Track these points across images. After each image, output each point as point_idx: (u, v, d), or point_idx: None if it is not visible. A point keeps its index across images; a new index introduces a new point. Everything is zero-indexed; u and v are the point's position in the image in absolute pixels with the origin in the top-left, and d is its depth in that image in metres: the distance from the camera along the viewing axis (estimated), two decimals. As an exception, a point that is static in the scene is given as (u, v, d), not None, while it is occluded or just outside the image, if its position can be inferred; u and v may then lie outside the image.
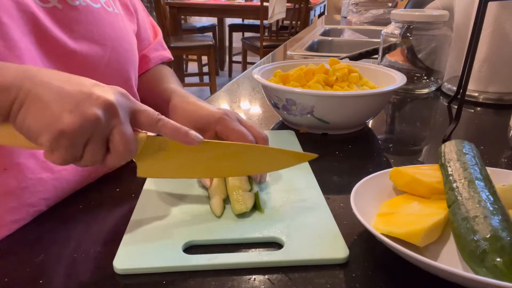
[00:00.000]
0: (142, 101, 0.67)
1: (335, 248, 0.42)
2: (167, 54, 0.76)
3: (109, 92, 0.39)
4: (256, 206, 0.49)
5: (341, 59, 1.08)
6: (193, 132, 0.43)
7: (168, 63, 0.79)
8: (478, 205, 0.39)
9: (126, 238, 0.44)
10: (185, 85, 3.90)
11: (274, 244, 0.44)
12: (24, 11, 0.47)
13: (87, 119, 0.36)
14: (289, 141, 0.69)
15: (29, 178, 0.49)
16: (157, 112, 0.42)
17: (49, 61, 0.50)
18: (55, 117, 0.35)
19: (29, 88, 0.36)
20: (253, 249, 0.43)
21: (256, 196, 0.49)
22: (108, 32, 0.57)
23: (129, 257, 0.41)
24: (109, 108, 0.38)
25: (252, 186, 0.50)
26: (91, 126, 0.37)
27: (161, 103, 0.63)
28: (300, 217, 0.47)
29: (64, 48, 0.51)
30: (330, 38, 1.80)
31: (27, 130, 0.36)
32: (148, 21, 0.74)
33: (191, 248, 0.43)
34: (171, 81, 0.69)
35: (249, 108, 0.92)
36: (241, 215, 0.47)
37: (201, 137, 0.44)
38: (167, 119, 0.42)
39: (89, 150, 0.38)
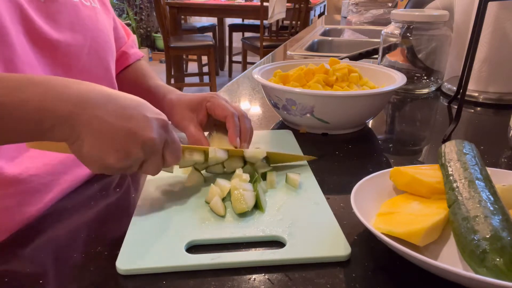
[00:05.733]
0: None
1: (337, 246, 0.42)
2: (140, 53, 0.83)
3: (152, 129, 0.44)
4: (257, 206, 0.49)
5: (341, 59, 1.08)
6: None
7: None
8: (478, 205, 0.39)
9: (128, 238, 0.44)
10: (185, 85, 3.90)
11: (276, 243, 0.44)
12: (12, 1, 0.49)
13: (130, 157, 0.43)
14: (287, 141, 0.69)
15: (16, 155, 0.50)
16: (179, 146, 0.49)
17: (36, 50, 0.52)
18: (103, 154, 0.42)
19: (84, 123, 0.41)
20: (256, 248, 0.43)
21: (257, 196, 0.49)
22: (87, 24, 0.60)
23: (131, 257, 0.41)
24: (150, 145, 0.44)
25: (256, 188, 0.50)
26: (132, 162, 0.44)
27: (153, 98, 0.69)
28: (301, 216, 0.47)
29: (49, 38, 0.53)
30: (330, 38, 1.80)
31: (80, 158, 0.44)
32: (119, 22, 0.79)
33: (193, 248, 0.43)
34: (155, 78, 0.76)
35: (249, 108, 0.92)
36: (243, 215, 0.47)
37: None
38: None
39: (126, 171, 0.46)
